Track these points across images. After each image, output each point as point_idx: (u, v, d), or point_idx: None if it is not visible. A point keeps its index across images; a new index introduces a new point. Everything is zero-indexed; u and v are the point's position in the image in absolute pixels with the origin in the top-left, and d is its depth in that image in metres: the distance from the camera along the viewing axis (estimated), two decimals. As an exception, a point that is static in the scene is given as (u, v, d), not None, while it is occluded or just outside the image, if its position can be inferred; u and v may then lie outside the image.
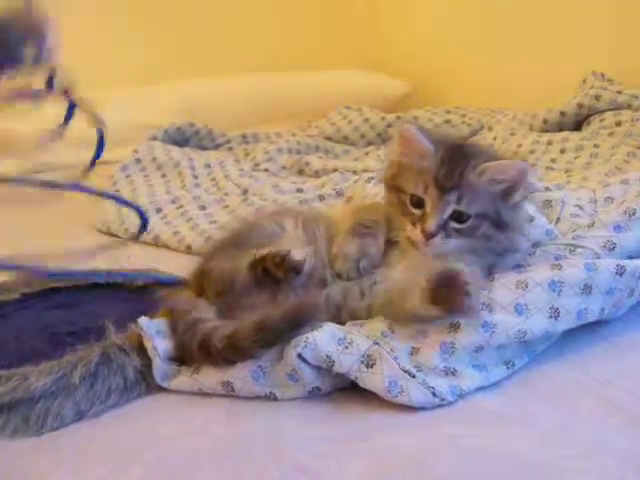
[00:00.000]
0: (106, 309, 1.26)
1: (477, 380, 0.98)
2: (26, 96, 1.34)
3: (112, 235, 1.79)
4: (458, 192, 1.05)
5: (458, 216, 1.06)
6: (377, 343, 0.96)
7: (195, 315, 1.06)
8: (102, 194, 1.39)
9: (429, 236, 1.05)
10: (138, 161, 2.18)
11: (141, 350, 1.05)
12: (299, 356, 0.95)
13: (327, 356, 0.95)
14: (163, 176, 2.11)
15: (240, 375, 0.98)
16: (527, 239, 1.16)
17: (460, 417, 0.93)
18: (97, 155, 1.48)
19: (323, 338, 0.96)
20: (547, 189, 1.48)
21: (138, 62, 2.84)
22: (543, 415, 0.93)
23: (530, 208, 1.23)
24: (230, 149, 2.51)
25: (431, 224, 1.05)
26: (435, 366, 0.97)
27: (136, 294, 1.34)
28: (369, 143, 2.53)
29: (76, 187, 1.37)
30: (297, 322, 0.97)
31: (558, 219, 1.27)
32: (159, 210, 1.84)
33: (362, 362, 0.95)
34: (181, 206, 1.85)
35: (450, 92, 3.02)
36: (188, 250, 1.65)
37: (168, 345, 1.04)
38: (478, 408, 0.95)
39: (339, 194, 1.68)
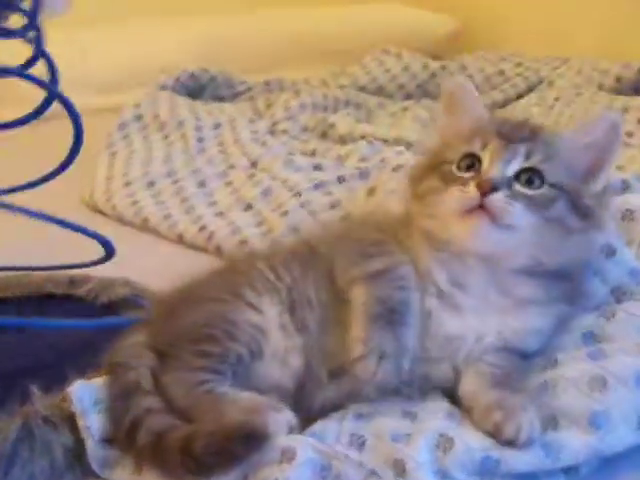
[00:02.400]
0: (53, 340, 1.00)
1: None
2: None
3: (99, 212, 1.56)
4: (529, 145, 0.81)
5: (528, 180, 0.80)
6: (375, 473, 0.68)
7: (135, 377, 0.80)
8: (50, 219, 1.08)
9: (488, 189, 0.77)
10: (139, 118, 1.91)
11: (75, 421, 0.80)
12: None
13: None
14: (165, 138, 1.82)
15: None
16: (603, 280, 0.86)
17: None
18: (72, 156, 1.13)
19: (298, 475, 0.68)
20: (624, 184, 1.13)
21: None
22: None
23: (611, 227, 0.91)
24: (251, 99, 2.21)
25: (492, 173, 0.79)
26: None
27: (99, 313, 1.08)
28: (408, 95, 2.19)
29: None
30: (230, 460, 0.69)
31: (645, 240, 0.94)
32: (152, 184, 1.57)
33: (360, 497, 0.68)
34: (177, 181, 1.57)
35: (504, 33, 2.63)
36: (180, 240, 1.39)
37: (107, 422, 0.78)
38: None
39: (363, 176, 1.38)
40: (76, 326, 0.96)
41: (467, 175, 0.81)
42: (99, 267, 1.20)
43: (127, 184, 1.58)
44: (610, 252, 0.88)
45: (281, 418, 0.74)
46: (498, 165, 0.80)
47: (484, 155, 0.82)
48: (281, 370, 0.82)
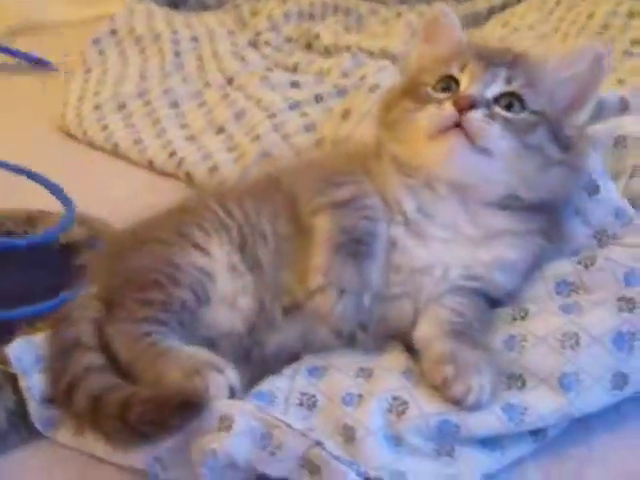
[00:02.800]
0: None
1: (485, 463, 0.66)
2: None
3: (72, 137, 1.48)
4: (510, 70, 0.77)
5: (508, 104, 0.75)
6: (319, 443, 0.63)
7: (75, 333, 0.75)
8: (19, 170, 1.00)
9: (466, 106, 0.72)
10: (113, 33, 1.80)
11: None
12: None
13: (248, 464, 0.64)
14: (141, 52, 1.73)
15: (132, 460, 0.69)
16: (584, 221, 0.79)
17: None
18: None
19: (236, 444, 0.63)
20: (623, 103, 0.99)
21: None
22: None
23: (597, 162, 0.82)
24: (236, 7, 2.07)
25: (470, 90, 0.75)
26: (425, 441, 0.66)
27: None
28: (401, 0, 2.05)
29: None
30: (166, 429, 0.64)
31: (636, 169, 0.84)
32: (123, 106, 1.49)
33: (302, 466, 0.62)
34: (149, 102, 1.48)
35: None
36: (150, 166, 1.32)
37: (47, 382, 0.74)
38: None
39: (340, 94, 1.29)
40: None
41: (444, 96, 0.76)
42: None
43: (97, 107, 1.50)
44: (593, 189, 0.79)
45: (222, 380, 0.69)
46: (477, 85, 0.75)
47: (462, 76, 0.77)
48: (231, 314, 0.77)
